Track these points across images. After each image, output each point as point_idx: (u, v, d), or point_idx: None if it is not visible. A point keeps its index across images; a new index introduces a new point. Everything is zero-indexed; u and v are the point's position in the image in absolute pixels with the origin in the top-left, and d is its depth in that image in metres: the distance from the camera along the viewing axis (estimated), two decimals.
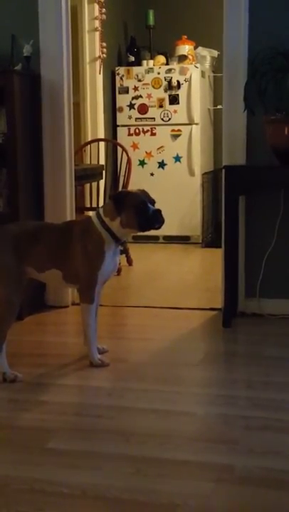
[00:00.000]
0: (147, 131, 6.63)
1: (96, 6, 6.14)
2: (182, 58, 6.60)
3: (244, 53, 3.87)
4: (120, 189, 5.58)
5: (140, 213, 3.06)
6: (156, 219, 3.09)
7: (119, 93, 6.66)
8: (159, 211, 3.09)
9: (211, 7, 6.57)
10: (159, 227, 3.11)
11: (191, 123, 6.54)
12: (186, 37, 6.72)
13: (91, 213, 3.22)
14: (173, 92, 6.53)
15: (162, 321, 4.05)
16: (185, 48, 6.68)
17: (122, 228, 3.10)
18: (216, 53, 6.80)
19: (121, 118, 6.68)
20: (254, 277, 4.03)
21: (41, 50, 4.12)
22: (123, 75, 6.63)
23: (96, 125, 6.30)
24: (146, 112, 6.61)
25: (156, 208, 3.10)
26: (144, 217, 3.07)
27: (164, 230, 6.49)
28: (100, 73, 6.26)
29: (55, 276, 3.18)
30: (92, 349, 3.22)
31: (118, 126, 6.70)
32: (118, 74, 6.64)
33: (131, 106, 6.63)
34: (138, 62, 6.71)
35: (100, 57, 6.21)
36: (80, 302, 3.22)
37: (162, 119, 6.58)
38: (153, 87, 6.57)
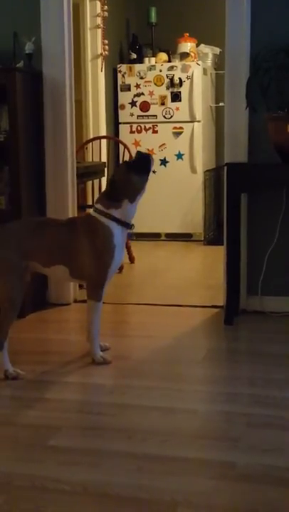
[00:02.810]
0: (149, 128, 6.62)
1: (98, 3, 6.13)
2: (184, 56, 6.59)
3: (246, 50, 3.86)
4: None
5: (136, 167, 3.14)
6: (146, 157, 3.19)
7: (121, 90, 6.65)
8: (138, 152, 3.24)
9: (213, 4, 6.56)
10: (152, 158, 3.20)
11: (193, 120, 6.53)
12: (188, 34, 6.71)
13: (91, 212, 3.21)
14: (175, 90, 6.52)
15: (164, 318, 4.06)
16: (187, 46, 6.67)
17: (133, 203, 3.14)
18: (218, 50, 6.79)
19: (123, 115, 6.67)
20: (256, 275, 4.03)
21: (43, 47, 4.11)
22: (125, 73, 6.62)
23: (98, 122, 6.30)
24: (148, 110, 6.60)
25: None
26: (140, 165, 3.16)
27: (166, 228, 6.63)
28: (101, 70, 6.26)
29: (61, 271, 3.17)
30: (95, 346, 3.23)
31: (120, 123, 6.69)
32: (120, 71, 6.64)
33: (133, 103, 6.62)
34: (140, 60, 6.70)
35: (101, 54, 6.20)
36: (87, 299, 3.21)
37: (164, 117, 6.58)
38: (155, 84, 6.56)
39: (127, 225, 3.17)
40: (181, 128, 6.55)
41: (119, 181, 3.14)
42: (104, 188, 5.61)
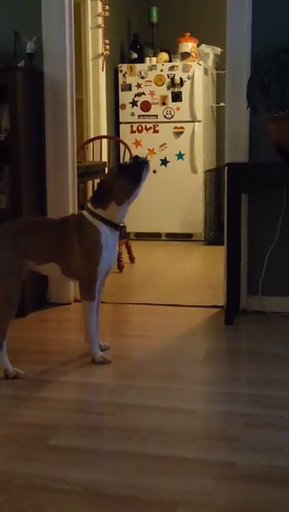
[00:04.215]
0: (150, 128, 6.62)
1: (99, 3, 6.13)
2: (185, 55, 6.59)
3: (247, 50, 3.86)
4: None
5: (126, 172, 3.10)
6: (139, 163, 3.12)
7: (122, 90, 6.65)
8: (135, 156, 3.17)
9: (214, 4, 6.55)
10: (148, 165, 3.13)
11: (193, 120, 6.53)
12: (189, 34, 6.71)
13: (83, 212, 3.21)
14: (176, 90, 6.52)
15: (164, 318, 4.06)
16: (188, 45, 6.67)
17: (120, 206, 3.11)
18: (219, 50, 6.79)
19: (124, 115, 6.67)
20: (256, 275, 4.03)
21: (44, 46, 4.11)
22: (126, 72, 6.62)
23: (99, 122, 6.30)
24: (148, 109, 6.60)
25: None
26: (131, 170, 3.10)
27: (167, 228, 6.63)
28: (102, 70, 6.26)
29: (54, 269, 3.19)
30: (94, 346, 3.23)
31: (121, 123, 6.69)
32: (121, 71, 6.64)
33: (134, 103, 6.63)
34: (141, 60, 6.70)
35: (102, 54, 6.20)
36: (81, 299, 3.22)
37: (165, 117, 6.58)
38: (156, 84, 6.56)
39: (115, 226, 3.16)
40: (181, 128, 6.55)
41: (107, 183, 3.14)
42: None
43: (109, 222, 3.13)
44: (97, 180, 5.56)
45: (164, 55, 6.65)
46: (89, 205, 3.17)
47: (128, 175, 3.10)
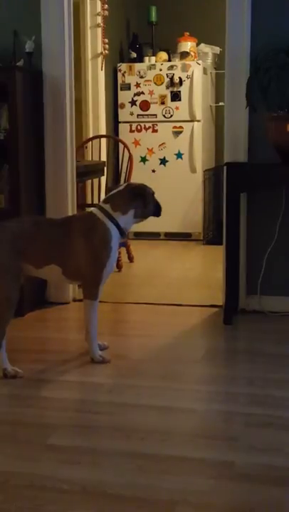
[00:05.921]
0: (149, 127, 6.62)
1: (98, 2, 6.13)
2: (184, 55, 6.59)
3: (246, 50, 3.86)
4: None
5: (155, 202, 3.28)
6: (159, 206, 3.33)
7: (121, 89, 6.65)
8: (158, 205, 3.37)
9: (214, 4, 6.55)
10: (160, 213, 3.35)
11: (192, 120, 6.53)
12: (188, 33, 6.71)
13: (93, 209, 3.22)
14: (175, 89, 6.52)
15: (163, 317, 4.06)
16: (187, 45, 6.66)
17: (135, 218, 3.22)
18: (218, 50, 6.79)
19: (123, 114, 6.67)
20: (255, 274, 4.03)
21: (43, 46, 4.11)
22: (125, 72, 6.62)
23: (98, 121, 6.29)
24: (148, 109, 6.60)
25: None
26: (156, 205, 3.29)
27: (166, 227, 6.63)
28: (101, 69, 6.25)
29: (54, 272, 3.17)
30: (93, 345, 3.23)
31: (120, 122, 6.69)
32: (120, 70, 6.63)
33: (133, 102, 6.62)
34: (140, 59, 6.70)
35: (102, 53, 6.20)
36: (83, 298, 3.22)
37: (164, 116, 6.58)
38: (155, 83, 6.56)
39: (123, 233, 3.19)
40: (180, 127, 6.55)
41: (139, 191, 3.21)
42: (103, 187, 5.62)
43: (120, 228, 3.17)
44: (96, 180, 5.56)
45: (163, 55, 6.65)
46: (107, 206, 3.18)
47: (154, 205, 3.28)
